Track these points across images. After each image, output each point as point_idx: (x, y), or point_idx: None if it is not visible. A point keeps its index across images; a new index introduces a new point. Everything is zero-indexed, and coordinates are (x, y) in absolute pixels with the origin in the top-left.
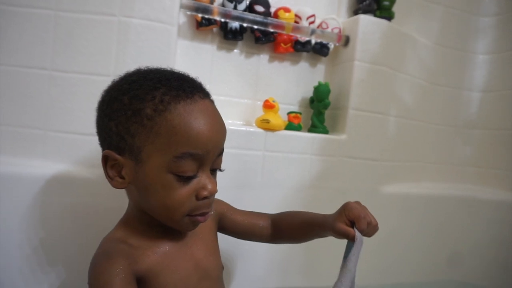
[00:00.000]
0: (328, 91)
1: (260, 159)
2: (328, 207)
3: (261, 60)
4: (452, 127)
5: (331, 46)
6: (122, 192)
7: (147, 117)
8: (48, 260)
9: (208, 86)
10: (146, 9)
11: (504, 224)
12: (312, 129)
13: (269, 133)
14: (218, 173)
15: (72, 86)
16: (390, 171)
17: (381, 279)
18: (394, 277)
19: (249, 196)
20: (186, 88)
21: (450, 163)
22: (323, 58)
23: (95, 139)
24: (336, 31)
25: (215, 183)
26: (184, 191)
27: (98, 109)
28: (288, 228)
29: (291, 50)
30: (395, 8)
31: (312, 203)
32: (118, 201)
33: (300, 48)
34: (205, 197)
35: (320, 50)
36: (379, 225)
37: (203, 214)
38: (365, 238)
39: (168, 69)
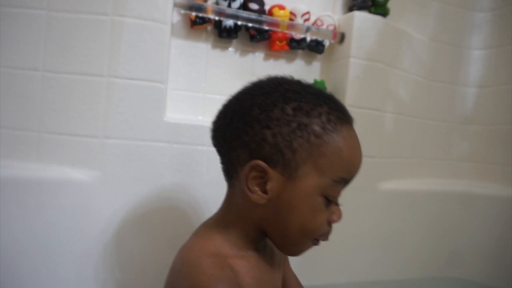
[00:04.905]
0: (324, 89)
1: None
2: None
3: (256, 58)
4: (448, 123)
5: (326, 43)
6: (121, 194)
7: (314, 133)
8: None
9: (203, 85)
10: (139, 8)
11: (503, 219)
12: None
13: None
14: (218, 172)
15: (65, 87)
16: (387, 168)
17: (380, 276)
18: (392, 274)
19: None
20: (344, 110)
21: (447, 159)
22: (319, 56)
23: (90, 140)
24: (331, 28)
25: None
26: (324, 215)
27: (242, 111)
28: None
29: (286, 47)
30: (390, 4)
31: None
32: (113, 203)
33: (295, 45)
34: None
35: (316, 47)
36: (378, 223)
37: (323, 240)
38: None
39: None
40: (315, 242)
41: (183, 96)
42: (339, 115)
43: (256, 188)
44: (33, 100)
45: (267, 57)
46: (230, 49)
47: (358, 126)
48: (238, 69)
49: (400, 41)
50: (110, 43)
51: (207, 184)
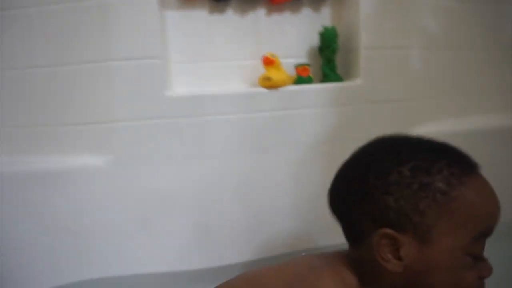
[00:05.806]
0: (335, 35)
1: (268, 120)
2: None
3: (259, 16)
4: (496, 50)
5: None
6: (135, 174)
7: (440, 191)
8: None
9: (207, 54)
10: None
11: None
12: (324, 79)
13: (274, 91)
14: (228, 141)
15: (67, 79)
16: (422, 110)
17: None
18: None
19: (264, 159)
20: (466, 159)
21: (498, 92)
22: (327, 0)
23: (98, 126)
24: None
25: None
26: (475, 272)
27: (359, 181)
28: None
29: None
30: None
31: (332, 158)
32: (128, 184)
33: None
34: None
35: None
36: None
37: None
38: None
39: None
40: None
41: (188, 68)
42: (461, 166)
43: (390, 256)
44: (43, 95)
45: (269, 12)
46: (229, 11)
47: (378, 70)
48: (241, 30)
49: None
50: (101, 27)
51: (220, 155)
